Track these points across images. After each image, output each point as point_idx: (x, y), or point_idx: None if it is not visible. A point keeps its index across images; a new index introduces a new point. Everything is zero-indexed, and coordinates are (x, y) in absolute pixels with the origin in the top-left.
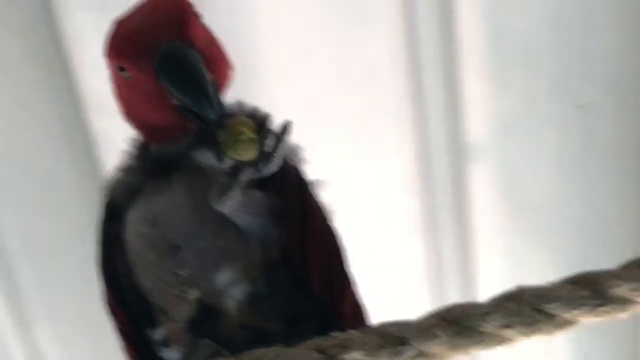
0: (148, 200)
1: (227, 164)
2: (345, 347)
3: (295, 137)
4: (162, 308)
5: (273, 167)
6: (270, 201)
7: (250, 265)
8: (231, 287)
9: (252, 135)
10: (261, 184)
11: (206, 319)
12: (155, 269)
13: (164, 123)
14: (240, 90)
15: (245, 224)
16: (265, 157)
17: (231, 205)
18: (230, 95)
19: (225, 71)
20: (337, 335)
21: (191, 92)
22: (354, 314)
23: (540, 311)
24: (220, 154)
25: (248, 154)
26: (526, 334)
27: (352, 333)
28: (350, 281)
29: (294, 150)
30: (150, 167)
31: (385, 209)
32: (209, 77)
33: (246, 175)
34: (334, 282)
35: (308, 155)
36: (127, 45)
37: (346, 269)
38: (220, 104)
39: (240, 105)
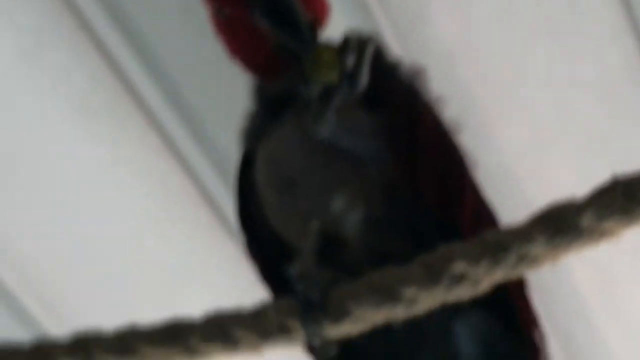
0: (267, 141)
1: (314, 90)
2: (448, 259)
3: None
4: (292, 245)
5: (359, 84)
6: (375, 120)
7: (365, 188)
8: (348, 213)
9: (331, 57)
10: (368, 104)
11: (330, 249)
12: (278, 206)
13: (264, 61)
14: None
15: (350, 147)
16: (348, 76)
17: (329, 130)
18: None
19: (322, 10)
20: (440, 249)
21: (285, 27)
22: (475, 224)
23: (635, 199)
24: (306, 82)
25: (330, 76)
26: (625, 225)
27: (454, 245)
28: (469, 191)
29: (410, 69)
30: (267, 108)
31: None
32: (302, 12)
33: (335, 98)
34: (451, 194)
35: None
36: None
37: (464, 179)
38: (313, 39)
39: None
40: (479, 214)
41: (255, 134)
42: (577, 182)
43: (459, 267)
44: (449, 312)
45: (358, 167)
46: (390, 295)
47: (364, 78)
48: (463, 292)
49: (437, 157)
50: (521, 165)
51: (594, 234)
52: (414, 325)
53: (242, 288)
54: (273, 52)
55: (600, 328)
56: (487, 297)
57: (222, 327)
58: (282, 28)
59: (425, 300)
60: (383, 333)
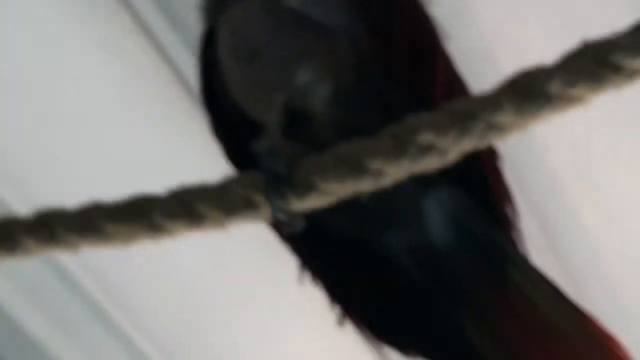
0: (230, 13)
1: None
2: (415, 129)
3: None
4: (258, 121)
5: None
6: None
7: (334, 61)
8: (314, 86)
9: None
10: None
11: (297, 123)
12: (242, 79)
13: None
14: None
15: (320, 17)
16: None
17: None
18: None
19: None
20: (407, 119)
21: None
22: (447, 98)
23: (606, 64)
24: None
25: None
26: (595, 91)
27: (421, 115)
28: (442, 65)
29: None
30: None
31: None
32: None
33: None
34: (424, 68)
35: None
36: None
37: (437, 52)
38: None
39: None
40: (452, 88)
41: (218, 6)
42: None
43: (426, 137)
44: (419, 188)
45: (327, 38)
46: (356, 167)
47: None
48: (431, 163)
49: (411, 29)
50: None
51: (563, 101)
52: (382, 201)
53: (209, 164)
54: None
55: (576, 208)
56: (458, 172)
57: (186, 203)
58: None
59: (392, 172)
60: (351, 210)
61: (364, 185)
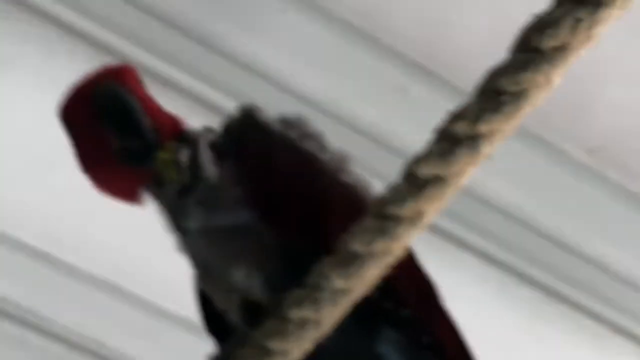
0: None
1: (168, 191)
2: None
3: None
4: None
5: (204, 175)
6: (240, 188)
7: (257, 254)
8: (251, 281)
9: (169, 157)
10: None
11: (254, 311)
12: (209, 288)
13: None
14: None
15: (233, 222)
16: (190, 168)
17: (199, 221)
18: None
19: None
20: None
21: (127, 132)
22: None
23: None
24: (159, 184)
25: (171, 175)
26: None
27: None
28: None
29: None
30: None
31: None
32: (143, 118)
33: (189, 194)
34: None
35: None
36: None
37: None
38: (156, 142)
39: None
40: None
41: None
42: None
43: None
44: (367, 337)
45: (244, 237)
46: (265, 352)
47: (208, 167)
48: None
49: (293, 199)
50: None
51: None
52: (341, 357)
53: None
54: (117, 159)
55: None
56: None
57: None
58: (125, 132)
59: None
60: None
61: None
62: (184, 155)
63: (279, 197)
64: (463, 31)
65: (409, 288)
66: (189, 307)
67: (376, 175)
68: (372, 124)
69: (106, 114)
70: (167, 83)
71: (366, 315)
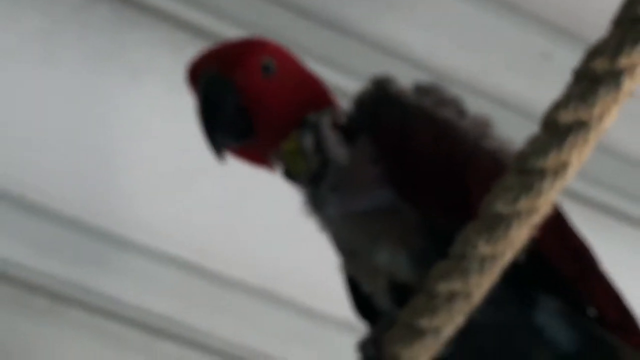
0: (327, 227)
1: (301, 180)
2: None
3: None
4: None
5: (332, 159)
6: (377, 167)
7: (400, 233)
8: (396, 261)
9: (293, 146)
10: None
11: (402, 293)
12: (355, 272)
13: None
14: None
15: (373, 203)
16: (316, 154)
17: (337, 207)
18: None
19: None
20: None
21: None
22: None
23: None
24: (288, 176)
25: (300, 164)
26: None
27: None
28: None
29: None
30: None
31: None
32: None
33: (321, 181)
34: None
35: None
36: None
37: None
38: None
39: None
40: None
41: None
42: None
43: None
44: (523, 308)
45: (385, 217)
46: (417, 331)
47: (335, 150)
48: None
49: (434, 172)
50: None
51: None
52: (497, 331)
53: None
54: None
55: None
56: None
57: None
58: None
59: (445, 327)
60: (468, 344)
61: (431, 344)
62: (307, 142)
63: (418, 171)
64: None
65: (563, 252)
66: (346, 309)
67: None
68: (517, 94)
69: (200, 99)
70: None
71: (521, 283)
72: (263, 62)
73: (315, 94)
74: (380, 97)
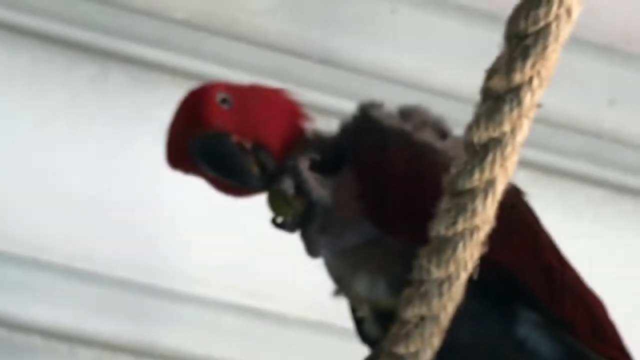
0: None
1: (287, 224)
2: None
3: None
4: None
5: (315, 197)
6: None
7: (380, 262)
8: (376, 288)
9: (272, 193)
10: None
11: (385, 317)
12: (344, 295)
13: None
14: None
15: (355, 240)
16: (299, 197)
17: (322, 246)
18: None
19: (275, 124)
20: None
21: (227, 176)
22: None
23: None
24: (275, 223)
25: (285, 209)
26: None
27: None
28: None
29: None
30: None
31: None
32: (239, 154)
33: (306, 224)
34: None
35: None
36: (167, 156)
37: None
38: (255, 170)
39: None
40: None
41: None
42: None
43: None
44: (503, 324)
45: (368, 249)
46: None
47: (316, 191)
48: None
49: (411, 198)
50: None
51: None
52: (481, 346)
53: None
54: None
55: None
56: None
57: None
58: (228, 175)
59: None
60: None
61: None
62: (288, 187)
63: (394, 202)
64: None
65: (534, 272)
66: None
67: None
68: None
69: (206, 166)
70: None
71: (500, 299)
72: (217, 98)
73: (285, 111)
74: (361, 124)
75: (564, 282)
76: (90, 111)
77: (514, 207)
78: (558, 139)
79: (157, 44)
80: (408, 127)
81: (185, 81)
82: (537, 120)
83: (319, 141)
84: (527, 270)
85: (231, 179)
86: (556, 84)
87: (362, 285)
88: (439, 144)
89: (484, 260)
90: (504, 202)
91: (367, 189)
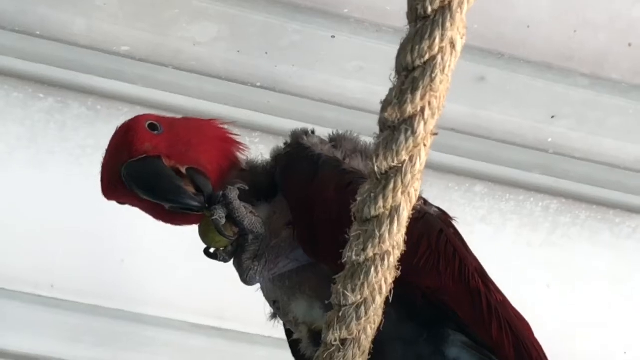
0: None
1: (220, 254)
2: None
3: None
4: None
5: (247, 226)
6: (289, 230)
7: (314, 286)
8: (312, 311)
9: (204, 226)
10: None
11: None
12: (282, 318)
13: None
14: None
15: (289, 265)
16: (230, 227)
17: (261, 272)
18: None
19: (207, 151)
20: None
21: (160, 197)
22: None
23: None
24: (209, 254)
25: (215, 239)
26: None
27: None
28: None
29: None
30: None
31: None
32: (172, 175)
33: (240, 252)
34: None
35: None
36: (103, 188)
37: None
38: (191, 191)
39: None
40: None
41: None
42: None
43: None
44: (437, 341)
45: (303, 274)
46: None
47: (247, 220)
48: None
49: (338, 225)
50: None
51: None
52: None
53: None
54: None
55: None
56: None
57: None
58: (161, 196)
59: None
60: None
61: None
62: (219, 216)
63: (324, 231)
64: None
65: (459, 292)
66: None
67: None
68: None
69: (138, 189)
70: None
71: (429, 321)
72: (147, 124)
73: (217, 139)
74: (292, 152)
75: (490, 306)
76: (48, 144)
77: (441, 233)
78: (510, 153)
79: (113, 75)
80: (339, 154)
81: (143, 110)
82: (486, 136)
83: (253, 169)
84: (454, 295)
85: (164, 200)
86: (501, 101)
87: (300, 309)
88: (368, 170)
89: (411, 285)
90: (432, 227)
91: (297, 217)
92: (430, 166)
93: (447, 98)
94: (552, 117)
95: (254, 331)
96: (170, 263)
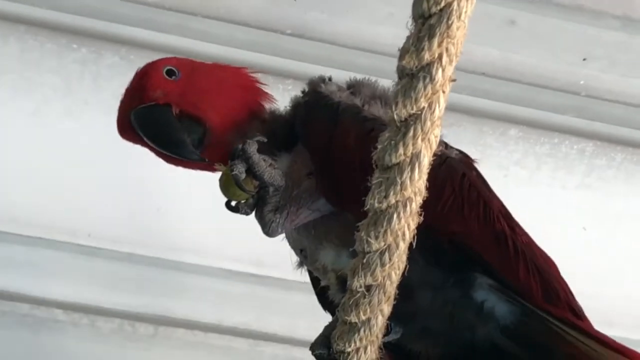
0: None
1: (242, 206)
2: None
3: None
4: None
5: (267, 178)
6: (310, 180)
7: (340, 234)
8: (340, 259)
9: (224, 179)
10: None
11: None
12: (310, 267)
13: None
14: None
15: (311, 215)
16: (251, 180)
17: (279, 224)
18: None
19: (223, 100)
20: None
21: (161, 146)
22: None
23: None
24: (230, 207)
25: (235, 192)
26: None
27: None
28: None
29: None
30: None
31: None
32: (176, 127)
33: (260, 204)
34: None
35: None
36: (117, 126)
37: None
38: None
39: None
40: None
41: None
42: None
43: None
44: (463, 286)
45: (327, 222)
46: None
47: (267, 173)
48: None
49: (359, 173)
50: None
51: None
52: (441, 311)
53: None
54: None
55: None
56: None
57: None
58: (162, 146)
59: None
60: (416, 326)
61: (367, 336)
62: (239, 171)
63: (345, 179)
64: None
65: (483, 239)
66: None
67: None
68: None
69: (142, 135)
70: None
71: (456, 265)
72: (164, 69)
73: (239, 89)
74: (311, 100)
75: (516, 248)
76: (83, 95)
77: (464, 177)
78: (543, 97)
79: (145, 25)
80: (357, 101)
81: None
82: (517, 80)
83: (274, 119)
84: (479, 239)
85: (164, 149)
86: (532, 44)
87: (327, 257)
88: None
89: (437, 230)
90: (455, 171)
91: (318, 166)
92: (463, 110)
93: (477, 42)
94: (584, 59)
95: (292, 277)
96: (206, 210)
